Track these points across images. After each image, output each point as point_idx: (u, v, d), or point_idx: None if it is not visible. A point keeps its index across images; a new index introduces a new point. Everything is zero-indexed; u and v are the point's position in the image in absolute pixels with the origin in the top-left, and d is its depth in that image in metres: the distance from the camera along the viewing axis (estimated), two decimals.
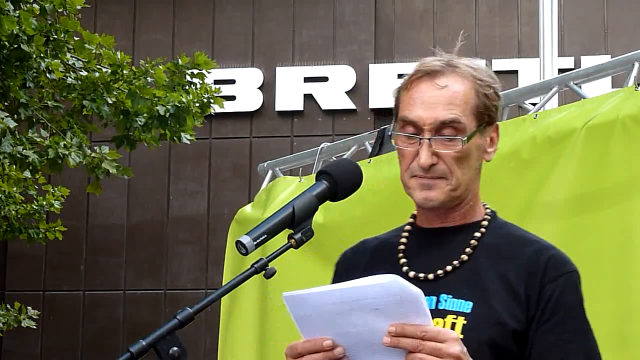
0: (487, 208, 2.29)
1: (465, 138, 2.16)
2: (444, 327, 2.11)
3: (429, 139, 2.16)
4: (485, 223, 2.25)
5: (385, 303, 1.95)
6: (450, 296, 2.16)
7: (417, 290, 1.95)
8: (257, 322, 5.08)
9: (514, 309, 2.14)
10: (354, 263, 2.33)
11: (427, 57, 2.25)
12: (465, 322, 2.12)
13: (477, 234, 2.23)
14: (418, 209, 2.30)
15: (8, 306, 9.27)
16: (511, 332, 2.13)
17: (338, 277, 2.35)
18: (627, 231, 3.44)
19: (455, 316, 2.14)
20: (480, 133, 2.21)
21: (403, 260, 2.25)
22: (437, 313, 2.14)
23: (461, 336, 2.06)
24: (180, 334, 1.98)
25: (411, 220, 2.33)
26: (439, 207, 2.22)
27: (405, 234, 2.30)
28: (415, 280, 2.18)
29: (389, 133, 2.26)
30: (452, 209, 2.23)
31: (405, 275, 2.20)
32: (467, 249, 2.21)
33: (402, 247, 2.28)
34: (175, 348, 1.97)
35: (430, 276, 2.19)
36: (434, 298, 2.16)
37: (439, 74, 2.20)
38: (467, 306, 2.14)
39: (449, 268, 2.19)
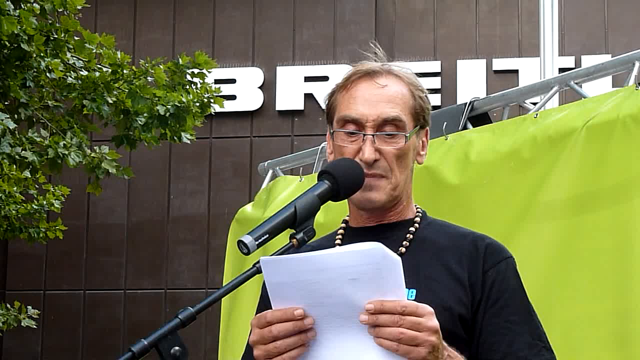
0: (418, 208, 2.34)
1: (408, 134, 2.22)
2: None
3: (372, 135, 2.21)
4: (418, 220, 2.31)
5: (364, 272, 1.93)
6: None
7: (397, 258, 1.95)
8: None
9: (459, 294, 2.18)
10: None
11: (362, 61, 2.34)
12: None
13: (412, 229, 2.28)
14: (353, 211, 2.34)
15: (8, 305, 9.26)
16: (457, 317, 2.17)
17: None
18: (627, 231, 3.44)
19: None
20: (416, 134, 2.27)
21: None
22: None
23: None
24: (180, 333, 1.98)
25: (343, 225, 2.37)
26: (379, 208, 2.27)
27: (339, 236, 2.34)
28: None
29: (330, 131, 2.28)
30: (389, 209, 2.28)
31: None
32: (405, 242, 2.26)
33: (338, 243, 2.31)
34: (176, 347, 1.96)
35: None
36: None
37: (378, 74, 2.28)
38: (410, 294, 2.16)
39: None
